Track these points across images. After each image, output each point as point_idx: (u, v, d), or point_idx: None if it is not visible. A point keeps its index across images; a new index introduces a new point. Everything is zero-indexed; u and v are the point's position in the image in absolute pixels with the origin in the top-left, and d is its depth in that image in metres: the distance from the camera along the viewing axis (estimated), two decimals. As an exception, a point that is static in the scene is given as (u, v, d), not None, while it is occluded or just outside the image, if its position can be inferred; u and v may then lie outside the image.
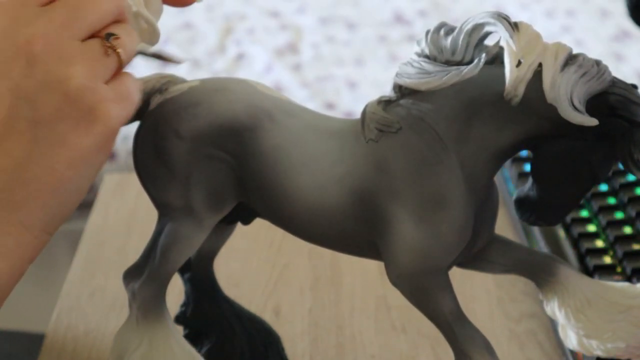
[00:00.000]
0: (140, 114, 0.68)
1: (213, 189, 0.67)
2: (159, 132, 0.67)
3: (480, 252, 0.68)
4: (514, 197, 0.66)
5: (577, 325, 0.66)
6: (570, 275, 0.67)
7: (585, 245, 0.89)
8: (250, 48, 2.21)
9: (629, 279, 0.85)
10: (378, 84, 2.09)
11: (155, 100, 0.68)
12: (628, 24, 2.18)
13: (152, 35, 0.67)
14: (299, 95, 2.03)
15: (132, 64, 0.78)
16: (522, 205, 0.65)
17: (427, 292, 0.65)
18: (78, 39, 0.57)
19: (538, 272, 0.67)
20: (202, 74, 2.04)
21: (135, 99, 0.60)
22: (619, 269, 0.87)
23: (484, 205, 0.66)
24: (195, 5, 0.71)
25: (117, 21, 0.60)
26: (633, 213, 0.91)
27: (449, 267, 0.66)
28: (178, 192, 0.67)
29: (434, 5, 2.36)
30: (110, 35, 0.58)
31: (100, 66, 0.58)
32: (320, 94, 2.06)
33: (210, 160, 0.67)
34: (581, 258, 0.89)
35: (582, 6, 2.33)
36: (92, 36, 0.58)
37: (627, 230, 0.90)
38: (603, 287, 0.66)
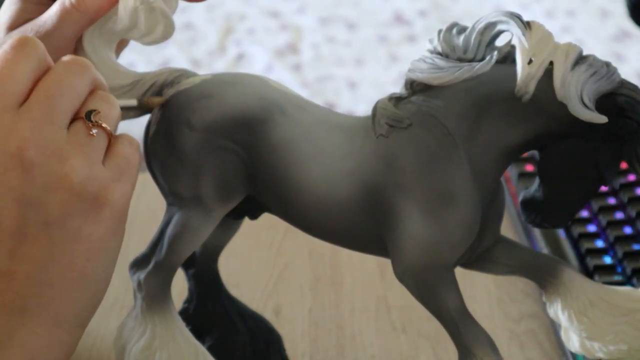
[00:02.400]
0: (151, 107, 0.69)
1: (223, 180, 0.67)
2: (170, 123, 0.67)
3: (485, 253, 0.68)
4: (520, 198, 0.66)
5: (579, 327, 0.66)
6: (574, 278, 0.67)
7: (585, 245, 0.89)
8: (251, 48, 2.21)
9: (629, 279, 0.85)
10: (378, 84, 2.09)
11: (168, 93, 0.69)
12: (628, 24, 2.18)
13: (167, 29, 0.68)
14: (299, 96, 2.04)
15: (131, 64, 0.78)
16: (528, 206, 0.66)
17: (433, 288, 0.65)
18: (63, 128, 0.57)
19: (542, 274, 0.67)
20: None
21: (134, 164, 0.60)
22: (619, 269, 0.87)
23: (490, 204, 0.66)
24: (195, 5, 0.71)
25: (91, 91, 0.60)
26: (633, 213, 0.91)
27: (454, 266, 0.66)
28: (188, 182, 0.67)
29: (434, 5, 2.36)
30: (90, 113, 0.58)
31: (92, 150, 0.58)
32: (320, 94, 2.06)
33: (221, 151, 0.67)
34: (581, 258, 0.89)
35: (582, 6, 2.33)
36: (75, 118, 0.58)
37: (627, 230, 0.90)
38: (606, 290, 0.67)
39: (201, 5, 2.15)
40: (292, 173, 0.67)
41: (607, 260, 0.88)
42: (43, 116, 0.56)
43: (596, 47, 2.11)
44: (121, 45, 0.75)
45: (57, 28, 0.69)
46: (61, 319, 0.57)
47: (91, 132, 0.58)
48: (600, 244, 0.90)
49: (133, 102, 0.67)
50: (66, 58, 0.59)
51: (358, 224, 0.66)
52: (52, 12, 0.70)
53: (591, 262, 0.87)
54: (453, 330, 0.65)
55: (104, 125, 0.58)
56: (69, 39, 0.70)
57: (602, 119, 0.61)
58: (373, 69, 2.14)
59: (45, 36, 0.70)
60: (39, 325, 0.57)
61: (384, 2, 2.39)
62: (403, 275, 0.66)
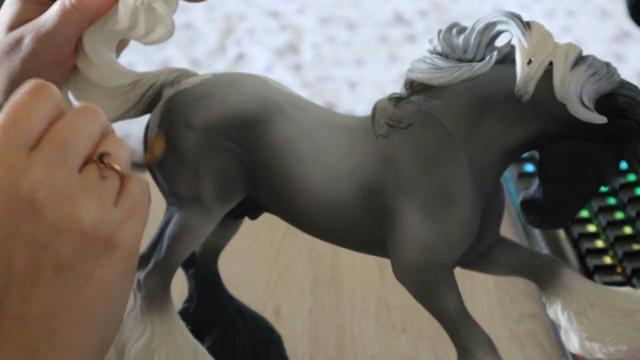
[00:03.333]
0: (151, 106, 0.69)
1: (222, 179, 0.67)
2: (170, 123, 0.67)
3: (485, 253, 0.68)
4: (520, 199, 0.66)
5: (579, 328, 0.66)
6: (574, 279, 0.67)
7: (585, 245, 0.89)
8: (251, 48, 2.21)
9: (629, 279, 0.85)
10: (378, 84, 2.09)
11: (168, 92, 0.69)
12: (628, 24, 2.18)
13: (167, 29, 0.68)
14: (299, 96, 2.03)
15: (131, 65, 0.78)
16: (528, 207, 0.66)
17: (432, 288, 0.65)
18: (76, 171, 0.57)
19: (542, 274, 0.67)
20: (202, 74, 2.03)
21: (145, 204, 0.59)
22: (619, 269, 0.87)
23: (490, 205, 0.66)
24: (195, 5, 0.72)
25: (102, 135, 0.59)
26: (633, 213, 0.91)
27: (454, 266, 0.66)
28: (187, 181, 0.67)
29: (434, 5, 2.36)
30: (102, 155, 0.58)
31: (105, 192, 0.57)
32: (321, 94, 2.06)
33: (221, 151, 0.67)
34: (581, 258, 0.89)
35: (582, 6, 2.33)
36: (87, 161, 0.58)
37: (627, 230, 0.90)
38: (606, 291, 0.67)
39: (201, 5, 2.15)
40: (292, 173, 0.67)
41: (607, 260, 0.88)
42: (55, 159, 0.56)
43: (596, 47, 2.11)
44: (122, 46, 0.75)
45: (58, 28, 0.69)
46: None
47: (104, 175, 0.58)
48: (600, 244, 0.90)
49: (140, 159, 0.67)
50: (77, 106, 0.59)
51: (357, 224, 0.66)
52: (53, 12, 0.70)
53: (591, 262, 0.87)
54: (452, 331, 0.65)
55: (116, 167, 0.58)
56: (70, 39, 0.70)
57: (602, 119, 0.61)
58: (373, 69, 2.14)
59: (46, 36, 0.70)
60: None
61: (384, 2, 2.38)
62: (402, 275, 0.66)
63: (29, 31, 0.71)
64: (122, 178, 0.58)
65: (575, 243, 0.90)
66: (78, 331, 0.56)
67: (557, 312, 0.67)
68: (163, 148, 0.68)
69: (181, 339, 0.69)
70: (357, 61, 2.20)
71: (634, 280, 0.84)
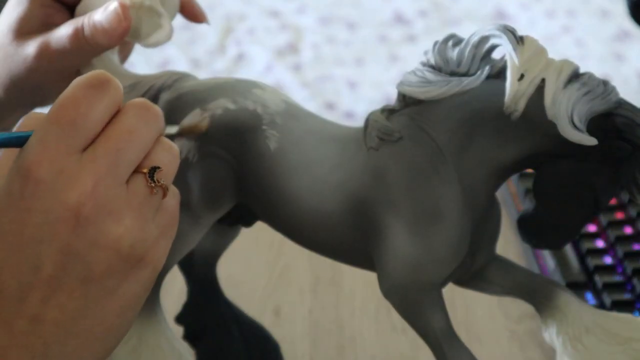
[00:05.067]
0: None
1: (211, 186, 0.67)
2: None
3: (480, 272, 0.67)
4: (517, 217, 0.65)
5: (574, 354, 0.65)
6: (570, 302, 0.65)
7: (586, 245, 0.89)
8: (250, 48, 2.21)
9: (629, 279, 0.85)
10: (378, 84, 2.09)
11: (164, 97, 0.68)
12: (628, 24, 2.18)
13: (167, 32, 0.68)
14: (299, 96, 2.03)
15: (131, 64, 0.78)
16: (525, 226, 0.64)
17: (417, 307, 0.64)
18: (124, 182, 0.55)
19: (538, 296, 0.66)
20: (202, 74, 2.03)
21: (177, 220, 0.58)
22: (619, 269, 0.86)
23: (483, 223, 0.65)
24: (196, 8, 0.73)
25: (156, 140, 0.57)
26: (633, 213, 0.91)
27: (444, 284, 0.65)
28: (176, 187, 0.67)
29: (434, 5, 2.36)
30: (153, 170, 0.55)
31: (147, 210, 0.55)
32: (320, 94, 2.06)
33: (211, 158, 0.67)
34: (581, 258, 0.89)
35: (582, 6, 2.33)
36: (136, 169, 0.55)
37: (628, 230, 0.90)
38: (603, 316, 0.65)
39: (201, 5, 2.16)
40: (280, 182, 0.66)
41: (607, 260, 0.88)
42: (107, 170, 0.54)
43: (596, 47, 2.11)
44: (126, 49, 0.76)
45: (68, 53, 0.71)
46: None
47: (152, 193, 0.55)
48: (600, 244, 0.90)
49: (173, 131, 0.63)
50: (139, 102, 0.56)
51: (344, 237, 0.66)
52: (65, 34, 0.71)
53: (591, 262, 0.87)
54: (437, 351, 0.64)
55: (164, 184, 0.56)
56: (77, 64, 0.72)
57: (592, 140, 0.59)
58: (373, 69, 2.14)
59: (55, 56, 0.71)
60: None
61: (384, 2, 2.39)
62: (388, 292, 0.65)
63: (38, 48, 0.71)
64: (165, 193, 0.56)
65: (576, 243, 0.90)
66: (91, 339, 0.56)
67: (552, 335, 0.66)
68: (206, 125, 0.66)
69: (167, 346, 0.69)
70: (357, 61, 2.20)
71: (634, 280, 0.84)
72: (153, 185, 0.55)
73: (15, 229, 0.54)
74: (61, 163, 0.54)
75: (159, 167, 0.56)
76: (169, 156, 0.56)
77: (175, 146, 0.57)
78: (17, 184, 0.53)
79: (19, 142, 0.54)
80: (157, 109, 0.56)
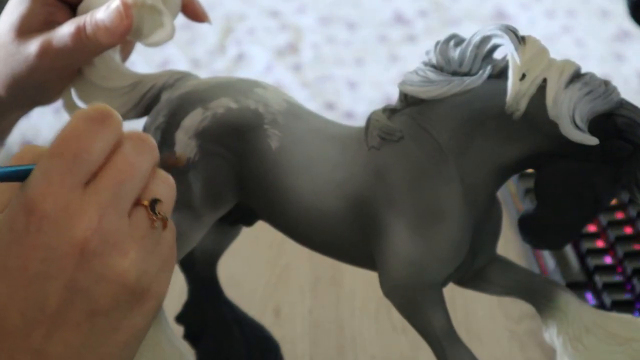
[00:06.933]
0: (150, 108, 0.69)
1: (213, 185, 0.67)
2: (165, 127, 0.67)
3: (481, 272, 0.67)
4: (518, 217, 0.65)
5: (574, 354, 0.65)
6: (571, 303, 0.65)
7: (586, 245, 0.89)
8: (250, 48, 2.21)
9: (629, 279, 0.85)
10: (378, 84, 2.09)
11: (165, 96, 0.69)
12: (628, 24, 2.18)
13: (168, 31, 0.69)
14: (299, 96, 2.04)
15: (131, 64, 0.78)
16: (526, 226, 0.64)
17: (418, 306, 0.64)
18: (126, 215, 0.55)
19: (538, 297, 0.66)
20: (202, 74, 2.03)
21: (175, 251, 0.58)
22: (619, 269, 0.87)
23: (484, 223, 0.65)
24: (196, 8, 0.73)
25: (152, 171, 0.57)
26: (633, 213, 0.91)
27: (445, 284, 0.65)
28: (178, 186, 0.67)
29: (434, 5, 2.36)
30: (155, 202, 0.56)
31: (150, 243, 0.55)
32: (320, 94, 2.06)
33: (213, 156, 0.67)
34: (581, 258, 0.89)
35: (582, 6, 2.33)
36: (136, 202, 0.55)
37: (628, 230, 0.90)
38: (604, 317, 0.65)
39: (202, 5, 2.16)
40: (282, 181, 0.66)
41: (607, 260, 0.88)
42: (110, 202, 0.54)
43: (596, 47, 2.11)
44: (127, 48, 0.76)
45: (69, 51, 0.71)
46: None
47: (154, 225, 0.55)
48: (600, 244, 0.90)
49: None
50: (135, 134, 0.56)
51: (346, 236, 0.66)
52: (66, 33, 0.71)
53: (591, 262, 0.87)
54: (438, 351, 0.64)
55: (165, 216, 0.56)
56: (79, 62, 0.71)
57: (593, 140, 0.60)
58: (373, 69, 2.14)
59: (56, 55, 0.71)
60: None
61: (384, 2, 2.39)
62: (389, 292, 0.65)
63: (40, 46, 0.71)
64: (166, 225, 0.56)
65: (576, 243, 0.90)
66: None
67: (552, 336, 0.66)
68: (184, 160, 0.67)
69: (167, 345, 0.69)
70: (357, 61, 2.20)
71: (634, 280, 0.84)
72: (155, 217, 0.55)
73: (20, 264, 0.53)
74: (66, 198, 0.53)
75: (159, 200, 0.56)
76: (167, 188, 0.57)
77: (171, 177, 0.57)
78: (21, 219, 0.53)
79: (20, 176, 0.54)
80: (152, 141, 0.56)
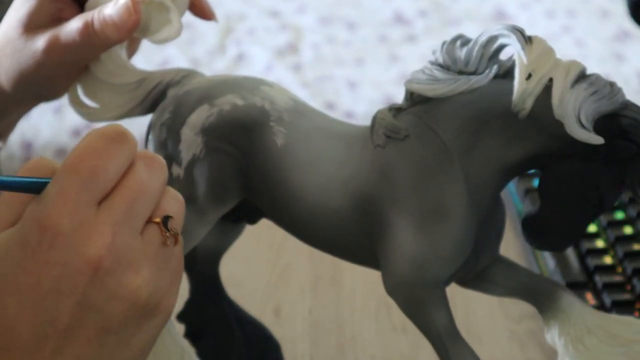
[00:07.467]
0: (156, 105, 0.69)
1: (218, 181, 0.67)
2: (171, 123, 0.67)
3: (483, 272, 0.67)
4: (521, 218, 0.65)
5: (575, 355, 0.65)
6: (573, 304, 0.66)
7: (586, 245, 0.89)
8: (250, 48, 2.21)
9: (629, 279, 0.85)
10: (378, 84, 2.09)
11: (172, 92, 0.69)
12: (628, 24, 2.18)
13: (176, 28, 0.69)
14: (299, 95, 2.03)
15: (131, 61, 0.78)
16: (529, 227, 0.65)
17: (421, 304, 0.65)
18: (138, 233, 0.55)
19: (540, 297, 0.66)
20: (202, 74, 2.03)
21: (183, 265, 0.58)
22: (619, 269, 0.87)
23: (488, 222, 0.65)
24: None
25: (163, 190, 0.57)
26: (633, 213, 0.91)
27: (447, 283, 0.66)
28: (183, 182, 0.67)
29: (434, 5, 2.36)
30: (167, 219, 0.56)
31: (162, 259, 0.56)
32: (320, 94, 2.06)
33: (218, 153, 0.67)
34: (581, 258, 0.89)
35: (582, 6, 2.33)
36: (148, 219, 0.56)
37: (628, 230, 0.90)
38: (605, 318, 0.65)
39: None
40: (286, 179, 0.66)
41: (607, 260, 0.88)
42: (124, 220, 0.54)
43: (596, 47, 2.11)
44: (133, 45, 0.76)
45: (77, 47, 0.71)
46: None
47: (167, 242, 0.56)
48: (600, 244, 0.90)
49: None
50: (146, 154, 0.56)
51: (349, 234, 0.66)
52: (74, 28, 0.71)
53: (591, 262, 0.87)
54: (440, 349, 0.64)
55: (177, 233, 0.56)
56: (86, 58, 0.72)
57: (598, 140, 0.60)
58: (373, 69, 2.14)
59: (64, 50, 0.72)
60: None
61: (384, 2, 2.38)
62: (392, 290, 0.65)
63: (47, 42, 0.72)
64: (177, 241, 0.57)
65: (576, 243, 0.90)
66: None
67: (554, 336, 0.66)
68: None
69: (170, 341, 0.69)
70: (357, 61, 2.20)
71: (634, 280, 0.84)
72: (167, 234, 0.56)
73: (33, 281, 0.53)
74: (81, 215, 0.53)
75: (171, 217, 0.56)
76: (177, 204, 0.57)
77: (180, 195, 0.57)
78: (35, 234, 0.53)
79: (34, 188, 0.54)
80: (162, 160, 0.56)
